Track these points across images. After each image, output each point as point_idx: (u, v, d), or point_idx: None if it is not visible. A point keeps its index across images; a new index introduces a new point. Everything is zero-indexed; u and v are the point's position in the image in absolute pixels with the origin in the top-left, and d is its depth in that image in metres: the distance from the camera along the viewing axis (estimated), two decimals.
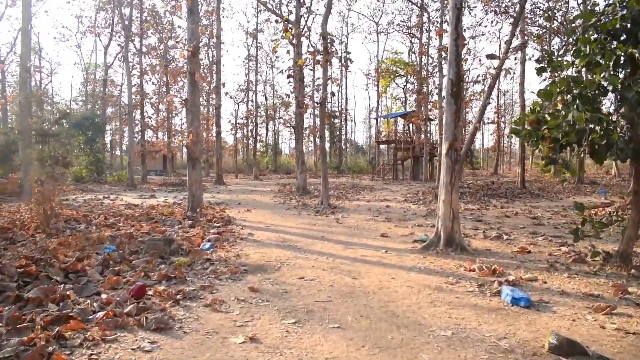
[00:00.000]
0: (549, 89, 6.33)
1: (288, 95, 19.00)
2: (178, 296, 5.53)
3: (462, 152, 8.57)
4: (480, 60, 30.55)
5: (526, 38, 26.25)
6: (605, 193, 23.29)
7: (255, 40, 46.78)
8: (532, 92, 38.16)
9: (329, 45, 16.06)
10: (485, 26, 46.56)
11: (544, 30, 28.15)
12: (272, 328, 4.66)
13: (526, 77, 29.29)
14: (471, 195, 20.03)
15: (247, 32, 48.27)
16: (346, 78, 56.08)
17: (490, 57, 13.52)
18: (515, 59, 26.46)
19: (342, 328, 4.68)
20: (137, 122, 35.50)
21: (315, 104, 18.48)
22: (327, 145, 56.31)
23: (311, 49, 16.21)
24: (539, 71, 6.80)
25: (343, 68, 51.38)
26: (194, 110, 13.15)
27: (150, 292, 5.63)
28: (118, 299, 5.24)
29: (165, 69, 40.98)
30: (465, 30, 21.52)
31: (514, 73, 26.93)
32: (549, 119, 6.48)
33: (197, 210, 12.94)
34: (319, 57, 16.41)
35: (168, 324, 4.63)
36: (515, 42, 22.88)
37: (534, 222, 12.65)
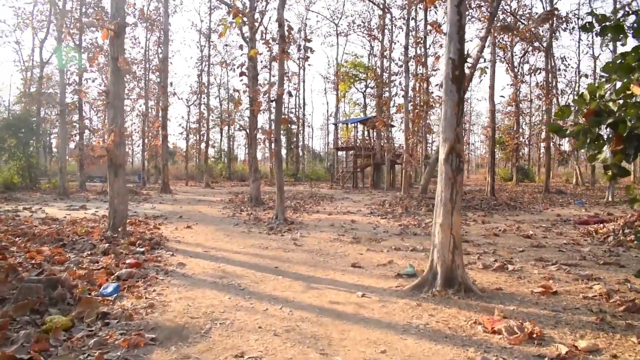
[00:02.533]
0: (626, 61, 4.13)
1: (238, 91, 16.58)
2: None
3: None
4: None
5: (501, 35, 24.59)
6: (583, 204, 21.69)
7: (208, 41, 43.99)
8: (502, 96, 36.96)
9: (285, 32, 13.68)
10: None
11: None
12: None
13: (496, 80, 27.76)
14: None
15: (200, 31, 45.46)
16: (304, 82, 53.85)
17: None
18: (485, 60, 24.65)
19: None
20: (75, 123, 32.24)
21: (270, 101, 15.97)
22: (284, 151, 53.89)
23: (269, 39, 13.79)
24: (585, 29, 4.66)
25: (302, 65, 49.26)
26: (116, 104, 10.53)
27: None
28: None
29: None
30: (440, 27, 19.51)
31: (486, 74, 25.14)
32: (616, 107, 4.28)
33: (119, 229, 10.29)
34: (275, 49, 14.09)
35: None
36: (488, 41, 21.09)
37: (531, 243, 10.56)
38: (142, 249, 8.91)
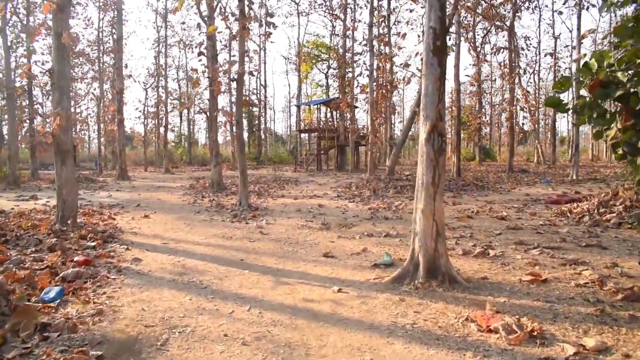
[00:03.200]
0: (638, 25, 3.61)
1: (195, 71, 15.68)
2: None
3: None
4: (419, 36, 28.18)
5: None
6: (549, 182, 21.66)
7: (165, 21, 42.29)
8: (467, 75, 36.68)
9: (246, 7, 12.86)
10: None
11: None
12: None
13: (461, 59, 27.42)
14: (413, 189, 17.48)
15: (156, 11, 43.74)
16: (265, 64, 52.65)
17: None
18: (450, 38, 24.23)
19: None
20: (26, 108, 30.50)
21: (231, 81, 15.18)
22: (246, 134, 52.83)
23: (228, 14, 12.93)
24: None
25: (263, 44, 48.13)
26: (62, 84, 9.58)
27: None
28: None
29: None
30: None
31: (454, 51, 24.76)
32: (625, 78, 3.78)
33: (69, 221, 9.43)
34: (234, 27, 13.27)
35: None
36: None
37: (507, 225, 10.18)
38: (93, 244, 8.11)
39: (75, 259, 6.86)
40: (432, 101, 5.68)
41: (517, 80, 33.28)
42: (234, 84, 14.64)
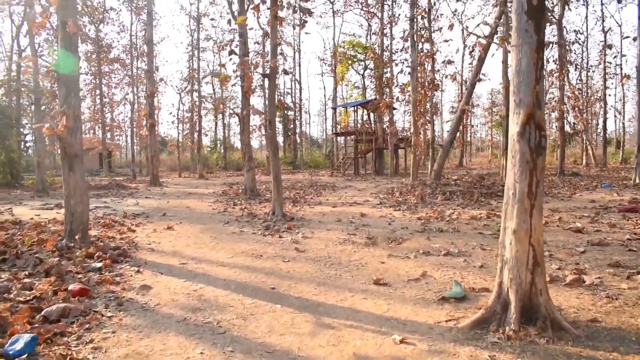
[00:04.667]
0: None
1: (224, 65, 14.44)
2: None
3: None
4: (467, 28, 26.42)
5: None
6: (611, 187, 19.63)
7: (198, 25, 41.50)
8: None
9: None
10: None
11: None
12: None
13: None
14: (464, 195, 15.84)
15: (189, 15, 43.05)
16: (300, 65, 51.54)
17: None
18: (497, 32, 22.34)
19: None
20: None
21: (264, 77, 13.87)
22: (280, 139, 51.72)
23: (258, 3, 11.57)
24: None
25: (297, 37, 46.91)
26: (69, 79, 8.41)
27: None
28: None
29: (98, 55, 35.54)
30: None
31: (509, 43, 22.81)
32: None
33: (77, 236, 8.22)
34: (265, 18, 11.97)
35: None
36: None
37: (588, 239, 8.50)
38: (99, 264, 6.85)
39: (70, 287, 5.57)
40: (528, 81, 4.17)
41: (565, 78, 31.12)
42: (266, 83, 13.23)
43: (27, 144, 35.70)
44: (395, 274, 6.44)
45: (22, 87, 31.07)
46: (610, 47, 32.82)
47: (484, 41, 18.10)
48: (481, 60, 19.23)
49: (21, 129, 31.40)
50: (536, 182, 4.21)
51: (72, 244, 8.09)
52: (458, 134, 34.73)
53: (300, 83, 52.88)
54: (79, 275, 6.33)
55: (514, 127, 4.25)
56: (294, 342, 4.16)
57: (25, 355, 3.80)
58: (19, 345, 3.89)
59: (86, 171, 37.32)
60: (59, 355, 3.83)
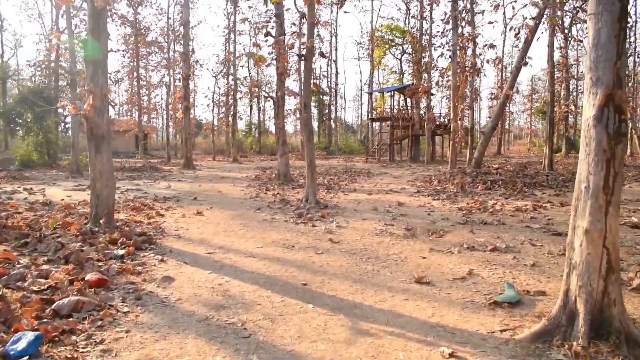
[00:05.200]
0: None
1: (258, 45, 13.92)
2: None
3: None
4: (513, 9, 25.15)
5: None
6: None
7: (235, 7, 41.05)
8: (561, 56, 33.05)
9: None
10: None
11: None
12: None
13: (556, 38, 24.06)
14: (506, 185, 15.04)
15: None
16: (336, 50, 50.70)
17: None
18: (545, 15, 21.09)
19: None
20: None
21: (299, 58, 13.35)
22: (315, 124, 51.22)
23: None
24: None
25: (334, 22, 46.12)
26: (96, 57, 8.03)
27: None
28: None
29: (135, 38, 35.59)
30: None
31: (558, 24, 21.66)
32: None
33: (101, 220, 7.89)
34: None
35: None
36: None
37: None
38: (122, 252, 6.49)
39: (88, 277, 5.19)
40: (608, 56, 3.52)
41: None
42: (302, 66, 12.69)
43: (67, 125, 36.14)
44: (438, 272, 5.88)
45: (60, 68, 31.32)
46: None
47: (531, 23, 17.12)
48: (527, 43, 18.22)
49: (60, 110, 31.70)
50: (614, 174, 3.58)
51: (97, 229, 7.76)
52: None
53: (336, 67, 52.13)
54: (100, 263, 5.97)
55: (590, 110, 3.61)
56: (327, 351, 3.65)
57: (27, 357, 3.41)
58: (21, 345, 3.50)
59: (122, 153, 37.40)
60: (63, 358, 3.42)
